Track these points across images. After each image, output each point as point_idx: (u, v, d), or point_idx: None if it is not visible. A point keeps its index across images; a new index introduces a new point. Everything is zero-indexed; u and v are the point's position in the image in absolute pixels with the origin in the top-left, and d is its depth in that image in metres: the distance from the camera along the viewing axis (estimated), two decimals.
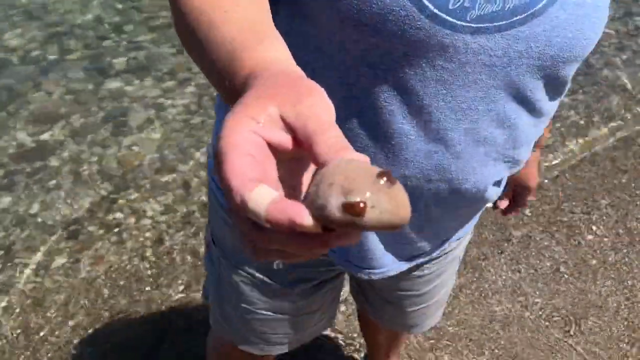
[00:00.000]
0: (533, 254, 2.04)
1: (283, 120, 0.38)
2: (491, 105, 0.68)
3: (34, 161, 2.32)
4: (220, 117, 0.82)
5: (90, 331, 1.76)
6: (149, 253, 1.98)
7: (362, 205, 0.33)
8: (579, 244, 2.08)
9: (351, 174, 0.35)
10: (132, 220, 2.09)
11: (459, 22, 0.60)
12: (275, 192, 0.35)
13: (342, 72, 0.66)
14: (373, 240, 0.83)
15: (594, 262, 2.02)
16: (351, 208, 0.34)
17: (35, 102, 2.61)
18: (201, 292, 1.62)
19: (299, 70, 0.45)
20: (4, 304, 1.83)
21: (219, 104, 0.87)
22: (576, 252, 2.05)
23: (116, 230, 2.05)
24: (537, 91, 0.69)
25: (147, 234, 2.04)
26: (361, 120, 0.69)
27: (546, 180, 2.29)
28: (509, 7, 0.61)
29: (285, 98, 0.38)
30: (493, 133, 0.71)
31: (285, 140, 0.38)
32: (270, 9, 0.55)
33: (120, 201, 2.15)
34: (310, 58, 0.68)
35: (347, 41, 0.64)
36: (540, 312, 1.85)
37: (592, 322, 1.83)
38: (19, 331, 1.77)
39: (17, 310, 1.82)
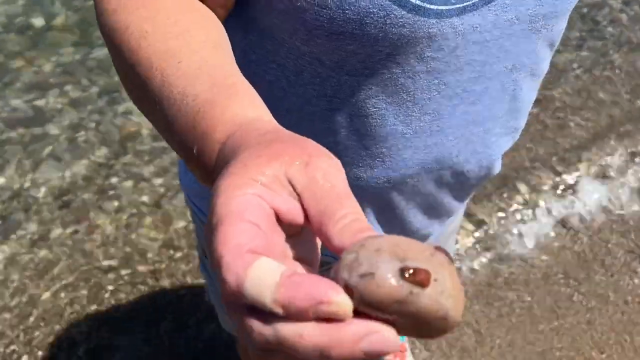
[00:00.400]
0: None
1: (291, 185, 0.31)
2: (487, 83, 0.62)
3: (30, 127, 2.26)
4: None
5: (90, 300, 1.73)
6: (147, 219, 1.93)
7: (427, 273, 0.26)
8: None
9: (402, 243, 0.27)
10: (129, 184, 2.04)
11: (444, 8, 0.53)
12: (282, 265, 0.27)
13: (319, 85, 0.59)
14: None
15: None
16: (413, 275, 0.26)
17: (26, 74, 2.54)
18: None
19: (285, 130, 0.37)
20: (2, 277, 1.79)
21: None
22: None
23: (111, 193, 2.00)
24: (533, 54, 0.64)
25: (144, 198, 1.99)
26: (349, 130, 0.62)
27: None
28: None
29: (293, 157, 0.31)
30: (493, 110, 0.66)
31: (295, 209, 0.31)
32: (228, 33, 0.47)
33: (116, 167, 2.10)
34: (276, 75, 0.61)
35: (319, 52, 0.56)
36: None
37: None
38: (18, 301, 1.74)
39: (16, 281, 1.78)
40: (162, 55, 0.42)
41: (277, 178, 0.30)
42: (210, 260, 0.29)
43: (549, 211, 1.96)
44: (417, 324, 0.27)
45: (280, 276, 0.26)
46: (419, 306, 0.26)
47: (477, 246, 1.86)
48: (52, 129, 2.25)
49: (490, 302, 1.74)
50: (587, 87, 2.34)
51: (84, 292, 1.75)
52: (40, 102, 2.35)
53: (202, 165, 0.38)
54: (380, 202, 0.71)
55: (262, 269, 0.27)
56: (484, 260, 1.83)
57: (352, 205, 0.30)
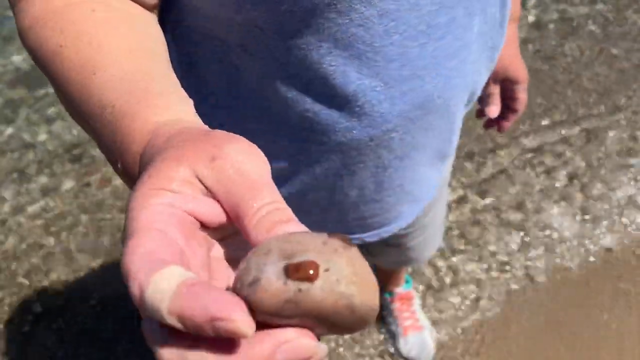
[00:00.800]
0: None
1: (202, 183, 0.28)
2: (451, 13, 0.56)
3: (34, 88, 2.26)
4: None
5: (102, 250, 1.75)
6: None
7: (312, 265, 0.24)
8: None
9: (293, 240, 0.25)
10: None
11: None
12: (192, 275, 0.25)
13: (268, 56, 0.55)
14: (388, 202, 0.74)
15: None
16: (296, 271, 0.24)
17: None
18: None
19: (203, 125, 0.34)
20: (15, 226, 1.82)
21: None
22: None
23: None
24: None
25: None
26: (312, 95, 0.57)
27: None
28: None
29: (198, 153, 0.29)
30: (464, 38, 0.60)
31: (215, 209, 0.28)
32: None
33: None
34: (224, 57, 0.57)
35: (255, 19, 0.52)
36: None
37: None
38: (29, 251, 1.76)
39: (28, 231, 1.81)
40: (77, 70, 0.40)
41: (186, 181, 0.28)
42: (122, 273, 0.26)
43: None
44: (324, 321, 0.25)
45: (179, 285, 0.24)
46: (314, 301, 0.24)
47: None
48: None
49: None
50: (599, 42, 2.30)
51: (96, 241, 1.78)
52: None
53: (130, 179, 0.35)
54: (371, 165, 0.66)
55: (164, 277, 0.24)
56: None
57: (268, 194, 0.28)
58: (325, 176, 0.66)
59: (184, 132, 0.32)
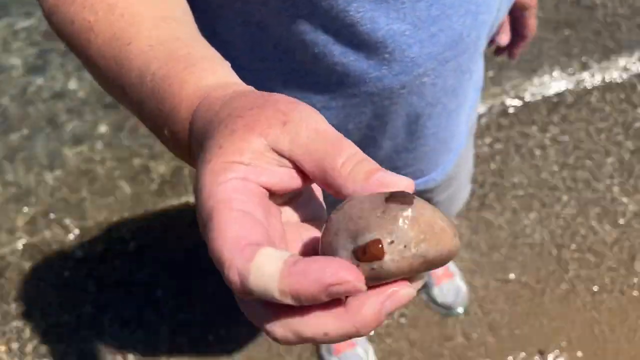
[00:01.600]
0: None
1: (276, 151, 0.28)
2: None
3: None
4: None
5: (133, 199, 1.74)
6: None
7: (376, 244, 0.25)
8: None
9: (356, 212, 0.27)
10: None
11: None
12: (286, 252, 0.25)
13: (292, 7, 0.53)
14: (424, 152, 0.73)
15: None
16: (364, 253, 0.26)
17: None
18: None
19: (252, 88, 0.34)
20: (48, 174, 1.82)
21: None
22: None
23: None
24: None
25: None
26: (340, 46, 0.56)
27: None
28: None
29: (269, 121, 0.29)
30: None
31: (287, 178, 0.29)
32: None
33: None
34: (248, 15, 0.56)
35: None
36: None
37: None
38: (65, 195, 1.76)
39: (63, 177, 1.80)
40: (111, 43, 0.39)
41: (259, 152, 0.28)
42: (212, 258, 0.27)
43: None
44: (410, 274, 0.27)
45: (284, 265, 0.25)
46: (390, 273, 0.26)
47: None
48: None
49: None
50: None
51: (128, 191, 1.77)
52: None
53: (178, 146, 0.35)
54: (403, 114, 0.65)
55: (264, 261, 0.25)
56: None
57: (348, 146, 0.28)
58: (358, 129, 0.65)
59: (240, 97, 0.31)
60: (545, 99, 1.89)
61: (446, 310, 1.51)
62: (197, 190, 0.28)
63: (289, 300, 0.25)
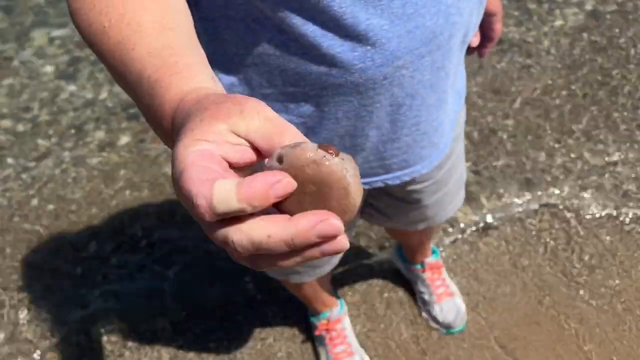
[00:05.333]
0: None
1: (236, 134, 0.37)
2: None
3: None
4: None
5: (154, 203, 1.85)
6: None
7: (336, 150, 0.35)
8: None
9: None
10: None
11: None
12: (238, 177, 0.35)
13: (284, 5, 0.64)
14: (406, 142, 0.82)
15: None
16: (326, 148, 0.34)
17: None
18: None
19: (221, 90, 0.44)
20: (74, 174, 1.93)
21: None
22: None
23: None
24: None
25: None
26: (328, 37, 0.66)
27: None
28: None
29: (229, 112, 0.37)
30: None
31: (243, 153, 0.37)
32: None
33: None
34: (249, 6, 0.66)
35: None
36: None
37: None
38: (88, 199, 1.88)
39: (85, 180, 1.92)
40: (119, 46, 0.49)
41: (221, 134, 0.36)
42: (182, 202, 0.35)
43: None
44: (329, 193, 0.35)
45: (237, 183, 0.33)
46: (329, 169, 0.34)
47: None
48: None
49: None
50: None
51: (147, 192, 1.88)
52: None
53: (164, 133, 0.45)
54: (386, 104, 0.74)
55: (222, 184, 0.33)
56: None
57: (291, 128, 0.37)
58: (347, 118, 0.75)
59: (209, 96, 0.40)
60: None
61: (446, 329, 1.57)
62: (172, 160, 0.37)
63: (245, 205, 0.33)
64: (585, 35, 2.22)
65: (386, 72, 0.69)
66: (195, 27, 0.60)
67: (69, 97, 2.18)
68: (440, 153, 0.90)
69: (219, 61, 0.73)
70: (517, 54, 2.15)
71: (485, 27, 1.00)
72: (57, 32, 2.42)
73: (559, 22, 2.26)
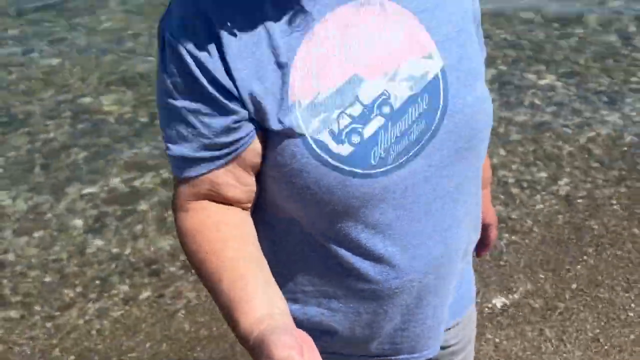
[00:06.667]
0: None
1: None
2: (441, 200, 0.86)
3: (125, 205, 2.60)
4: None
5: (173, 355, 1.97)
6: None
7: None
8: None
9: None
10: None
11: (388, 166, 0.80)
12: None
13: (327, 234, 0.86)
14: (425, 324, 0.97)
15: None
16: None
17: (126, 155, 2.91)
18: None
19: (286, 318, 0.70)
20: (98, 326, 2.07)
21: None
22: None
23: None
24: (469, 162, 0.87)
25: None
26: (355, 258, 0.87)
27: None
28: (414, 136, 0.80)
29: (298, 345, 0.61)
30: (455, 216, 0.89)
31: None
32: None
33: None
34: (300, 237, 0.89)
35: (306, 215, 0.85)
36: None
37: None
38: (109, 352, 1.99)
39: (108, 332, 2.05)
40: (213, 275, 0.77)
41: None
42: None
43: None
44: None
45: None
46: None
47: None
48: (143, 205, 2.61)
49: None
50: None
51: (167, 347, 2.00)
52: (136, 183, 2.72)
53: (242, 338, 0.70)
54: (399, 305, 0.92)
55: None
56: None
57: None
58: (367, 314, 0.95)
59: (280, 326, 0.67)
60: None
61: None
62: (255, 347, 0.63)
63: None
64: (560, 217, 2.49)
65: (398, 284, 0.89)
66: (258, 231, 0.84)
67: (96, 251, 2.36)
68: (437, 347, 1.04)
69: (280, 273, 0.93)
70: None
71: (481, 235, 1.13)
72: (88, 189, 2.66)
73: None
